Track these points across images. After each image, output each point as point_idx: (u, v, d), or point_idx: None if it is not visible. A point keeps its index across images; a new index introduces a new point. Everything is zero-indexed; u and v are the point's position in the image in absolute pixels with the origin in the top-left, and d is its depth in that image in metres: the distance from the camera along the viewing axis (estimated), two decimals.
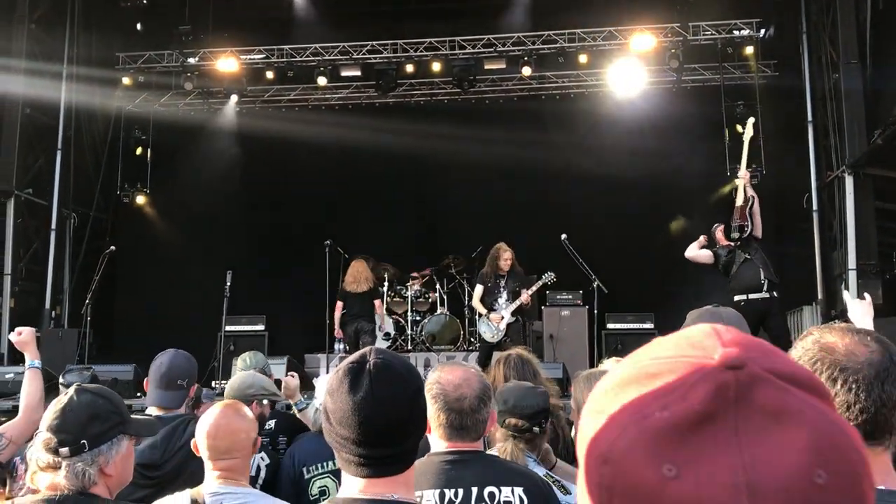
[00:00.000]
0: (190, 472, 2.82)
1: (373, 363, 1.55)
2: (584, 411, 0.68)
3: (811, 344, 1.56)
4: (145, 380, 3.63)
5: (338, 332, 10.44)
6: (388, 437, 1.53)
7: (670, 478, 0.58)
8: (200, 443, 2.70)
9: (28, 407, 3.41)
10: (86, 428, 2.20)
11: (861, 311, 3.39)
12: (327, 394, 1.59)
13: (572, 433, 2.94)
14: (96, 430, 2.22)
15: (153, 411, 3.51)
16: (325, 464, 3.57)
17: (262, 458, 3.75)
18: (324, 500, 3.41)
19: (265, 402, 4.10)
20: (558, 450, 3.53)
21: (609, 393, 0.66)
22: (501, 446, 2.90)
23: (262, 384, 4.13)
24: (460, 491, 2.26)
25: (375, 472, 1.54)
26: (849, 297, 3.83)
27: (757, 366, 0.61)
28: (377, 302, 10.48)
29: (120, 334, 12.95)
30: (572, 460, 3.47)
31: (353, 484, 1.56)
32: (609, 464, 0.61)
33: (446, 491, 2.25)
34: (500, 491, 2.29)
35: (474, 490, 2.27)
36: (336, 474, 3.49)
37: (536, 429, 2.93)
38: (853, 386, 1.46)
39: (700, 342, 0.64)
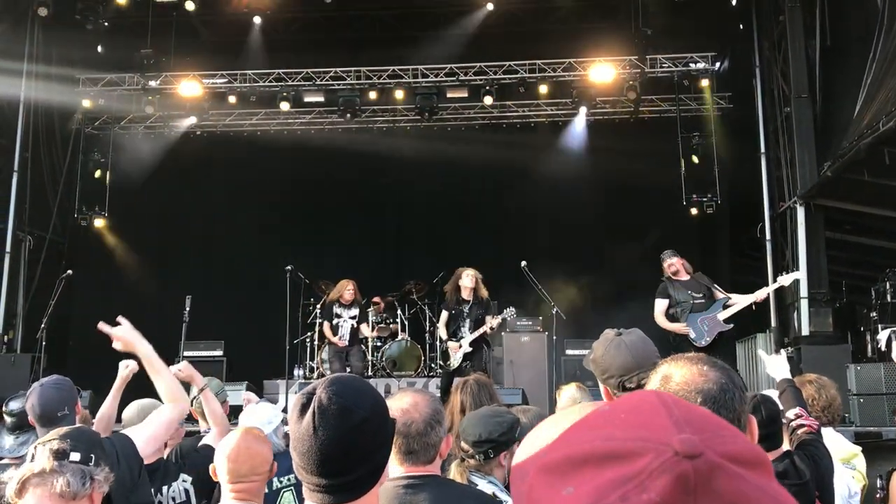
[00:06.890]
0: None
1: (318, 397, 1.56)
2: (532, 468, 0.67)
3: (656, 374, 1.71)
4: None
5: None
6: (330, 468, 1.54)
7: None
8: (220, 466, 2.75)
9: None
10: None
11: (776, 365, 3.89)
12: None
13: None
14: None
15: None
16: None
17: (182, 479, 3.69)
18: None
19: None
20: None
21: (562, 465, 0.64)
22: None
23: None
24: None
25: (331, 499, 1.55)
26: (764, 355, 4.28)
27: (713, 452, 0.59)
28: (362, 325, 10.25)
29: (74, 360, 12.67)
30: None
31: None
32: None
33: None
34: None
35: None
36: None
37: (480, 457, 2.92)
38: None
39: (651, 422, 0.63)
